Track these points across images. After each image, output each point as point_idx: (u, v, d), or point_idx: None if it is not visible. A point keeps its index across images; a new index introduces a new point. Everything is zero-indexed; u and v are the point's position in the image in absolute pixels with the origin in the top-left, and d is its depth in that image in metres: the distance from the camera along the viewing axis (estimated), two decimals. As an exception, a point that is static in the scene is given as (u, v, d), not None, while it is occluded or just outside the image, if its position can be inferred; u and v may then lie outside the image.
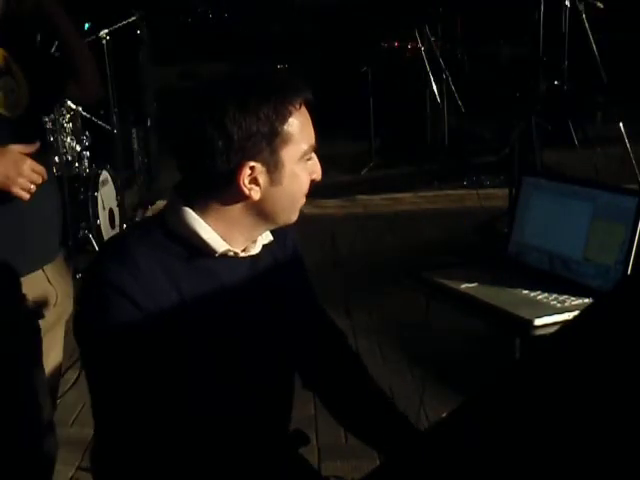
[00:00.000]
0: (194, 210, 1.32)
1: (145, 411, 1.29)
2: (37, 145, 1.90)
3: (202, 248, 1.32)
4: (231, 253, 1.34)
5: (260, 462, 1.42)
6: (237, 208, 1.32)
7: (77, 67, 2.07)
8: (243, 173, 1.27)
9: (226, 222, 1.32)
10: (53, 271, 2.04)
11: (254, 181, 1.29)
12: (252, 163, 1.28)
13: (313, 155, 1.36)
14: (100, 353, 1.30)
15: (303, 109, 1.32)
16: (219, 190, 1.31)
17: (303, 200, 1.38)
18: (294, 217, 1.39)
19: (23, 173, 1.84)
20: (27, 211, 1.93)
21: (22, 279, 1.94)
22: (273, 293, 1.44)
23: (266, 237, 1.42)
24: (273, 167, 1.29)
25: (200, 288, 1.32)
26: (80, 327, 1.32)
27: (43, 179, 1.89)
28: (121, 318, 1.25)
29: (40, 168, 1.88)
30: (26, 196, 1.86)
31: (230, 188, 1.29)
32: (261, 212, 1.34)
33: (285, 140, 1.29)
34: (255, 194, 1.30)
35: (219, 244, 1.32)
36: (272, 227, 1.40)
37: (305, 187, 1.36)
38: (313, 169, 1.36)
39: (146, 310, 1.25)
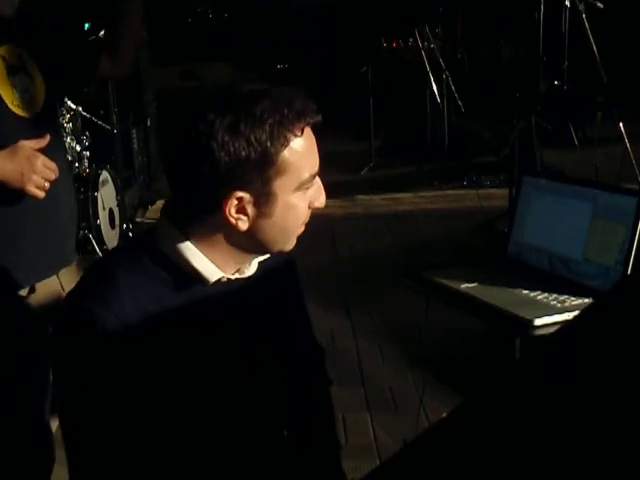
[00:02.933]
0: (185, 236, 1.22)
1: (130, 447, 1.23)
2: (47, 139, 1.84)
3: (194, 276, 1.24)
4: (224, 279, 1.26)
5: (258, 467, 1.40)
6: (226, 236, 1.23)
7: (125, 44, 2.02)
8: (229, 203, 1.17)
9: (216, 249, 1.23)
10: (66, 277, 2.01)
11: (242, 210, 1.18)
12: (240, 193, 1.16)
13: (316, 181, 1.24)
14: (81, 389, 1.22)
15: (307, 135, 1.19)
16: (206, 217, 1.21)
17: (301, 229, 1.27)
18: (289, 246, 1.28)
19: (37, 170, 1.78)
20: (43, 214, 1.90)
21: (37, 285, 1.92)
22: (268, 307, 1.39)
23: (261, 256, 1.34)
24: (264, 199, 1.18)
25: (191, 315, 1.25)
26: (61, 360, 1.24)
27: (56, 176, 1.84)
28: (104, 359, 1.18)
29: (52, 164, 1.82)
30: (41, 194, 1.81)
31: (217, 216, 1.19)
32: (251, 242, 1.24)
33: (280, 170, 1.17)
34: (242, 225, 1.20)
35: (212, 272, 1.24)
36: (264, 254, 1.32)
37: (302, 217, 1.25)
38: (315, 197, 1.25)
39: (128, 350, 1.18)
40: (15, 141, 1.80)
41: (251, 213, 1.19)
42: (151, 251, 1.24)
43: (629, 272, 1.72)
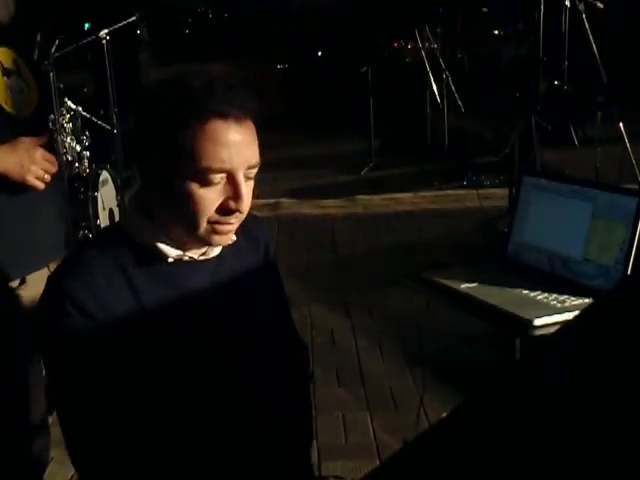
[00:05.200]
0: (145, 216, 1.30)
1: (110, 420, 1.28)
2: (45, 138, 1.93)
3: (156, 254, 1.30)
4: (186, 258, 1.31)
5: (253, 463, 1.40)
6: (167, 211, 1.29)
7: None
8: (150, 175, 1.28)
9: (170, 226, 1.28)
10: None
11: (162, 184, 1.27)
12: (154, 167, 1.25)
13: (232, 181, 1.23)
14: (60, 363, 1.29)
15: (218, 126, 1.20)
16: (148, 193, 1.31)
17: (206, 225, 1.25)
18: (214, 241, 1.28)
19: (36, 161, 1.87)
20: (35, 209, 1.95)
21: (28, 277, 1.95)
22: (238, 296, 1.40)
23: None
24: (166, 182, 1.24)
25: (160, 295, 1.30)
26: (41, 338, 1.31)
27: (55, 168, 1.91)
28: (78, 330, 1.24)
29: (52, 157, 1.91)
30: (41, 185, 1.88)
31: (154, 191, 1.29)
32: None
33: (179, 154, 1.20)
34: (162, 197, 1.28)
35: (170, 250, 1.30)
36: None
37: (203, 211, 1.23)
38: (229, 197, 1.24)
39: (102, 322, 1.24)
40: (7, 138, 1.85)
41: (166, 188, 1.25)
42: (120, 233, 1.32)
43: (629, 272, 1.71)
